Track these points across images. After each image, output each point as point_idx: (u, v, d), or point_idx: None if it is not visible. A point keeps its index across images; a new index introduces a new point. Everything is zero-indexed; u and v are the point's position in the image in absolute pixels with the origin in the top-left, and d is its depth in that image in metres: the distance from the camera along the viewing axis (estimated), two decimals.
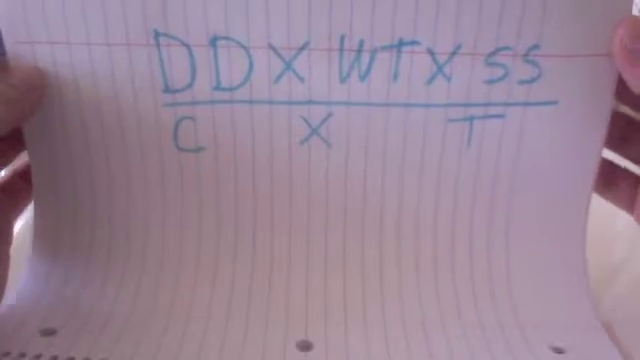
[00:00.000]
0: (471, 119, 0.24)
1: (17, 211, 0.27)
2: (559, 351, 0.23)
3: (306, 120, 0.25)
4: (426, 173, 0.25)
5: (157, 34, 0.24)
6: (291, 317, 0.25)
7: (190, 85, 0.25)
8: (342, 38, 0.24)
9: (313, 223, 0.27)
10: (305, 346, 0.24)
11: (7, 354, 0.23)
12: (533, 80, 0.24)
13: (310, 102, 0.25)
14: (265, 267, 0.27)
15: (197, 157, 0.26)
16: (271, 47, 0.24)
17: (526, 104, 0.24)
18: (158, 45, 0.24)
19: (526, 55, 0.23)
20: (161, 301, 0.26)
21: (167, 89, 0.25)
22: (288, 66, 0.24)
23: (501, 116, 0.24)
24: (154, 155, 0.26)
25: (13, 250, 0.28)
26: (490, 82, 0.24)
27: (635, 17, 0.22)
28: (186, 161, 0.26)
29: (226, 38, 0.24)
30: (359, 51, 0.24)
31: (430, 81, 0.24)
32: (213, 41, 0.24)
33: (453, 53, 0.24)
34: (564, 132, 0.24)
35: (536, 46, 0.23)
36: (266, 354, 0.23)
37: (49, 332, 0.24)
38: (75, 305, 0.26)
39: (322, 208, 0.26)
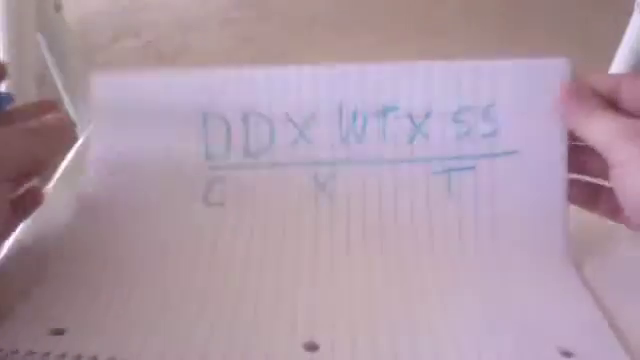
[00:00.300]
0: (449, 171, 0.29)
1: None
2: (568, 354, 0.23)
3: (315, 179, 0.30)
4: (417, 219, 0.29)
5: (205, 116, 0.31)
6: (299, 318, 0.25)
7: (225, 153, 0.31)
8: (340, 107, 0.30)
9: (320, 262, 0.29)
10: (311, 347, 0.24)
11: (15, 352, 0.23)
12: (493, 134, 0.29)
13: (318, 163, 0.30)
14: (272, 273, 0.28)
15: (220, 210, 0.30)
16: (288, 117, 0.30)
17: (492, 155, 0.29)
18: (205, 124, 0.30)
19: (485, 113, 0.29)
20: (171, 302, 0.26)
21: (208, 157, 0.31)
22: (301, 133, 0.30)
23: (472, 168, 0.29)
24: (184, 208, 0.30)
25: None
26: (459, 137, 0.29)
27: (573, 82, 0.28)
28: (210, 214, 0.30)
29: (255, 113, 0.30)
30: (354, 118, 0.30)
31: (412, 139, 0.30)
32: (246, 117, 0.30)
33: (427, 115, 0.29)
34: (530, 176, 0.29)
35: (492, 105, 0.29)
36: (272, 354, 0.23)
37: (58, 332, 0.24)
38: (85, 305, 0.26)
39: (327, 246, 0.29)
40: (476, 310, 0.26)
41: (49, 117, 0.28)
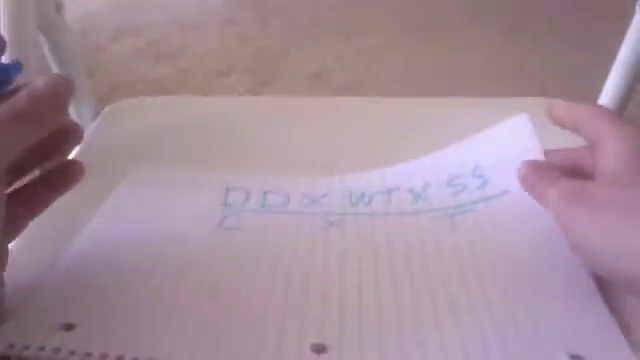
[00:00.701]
0: (451, 215, 0.32)
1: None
2: (577, 358, 0.23)
3: (326, 220, 0.33)
4: (427, 248, 0.30)
5: (228, 188, 0.36)
6: (307, 320, 0.26)
7: (242, 204, 0.34)
8: (350, 194, 0.35)
9: (330, 270, 0.29)
10: (319, 349, 0.24)
11: (27, 347, 0.23)
12: (484, 184, 0.33)
13: (329, 213, 0.33)
14: (282, 276, 0.28)
15: (235, 232, 0.32)
16: (304, 195, 0.35)
17: (487, 198, 0.32)
18: (227, 192, 0.35)
19: (472, 173, 0.34)
20: (181, 301, 0.27)
21: (224, 204, 0.34)
22: (313, 201, 0.34)
23: (472, 210, 0.32)
24: (199, 228, 0.32)
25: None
26: (455, 194, 0.33)
27: (534, 161, 0.30)
28: (224, 234, 0.32)
29: (274, 192, 0.35)
30: (362, 196, 0.35)
31: (413, 203, 0.34)
32: (265, 193, 0.35)
33: (424, 187, 0.34)
34: (526, 206, 0.30)
35: (477, 167, 0.34)
36: (280, 355, 0.24)
37: (69, 327, 0.25)
38: (96, 301, 0.26)
39: (337, 264, 0.29)
40: (484, 313, 0.26)
41: (38, 83, 0.24)
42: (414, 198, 0.34)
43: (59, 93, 0.25)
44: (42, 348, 0.23)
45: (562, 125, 0.30)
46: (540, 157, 0.31)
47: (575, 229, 0.25)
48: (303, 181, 0.36)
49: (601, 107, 0.30)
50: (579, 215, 0.25)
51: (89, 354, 0.23)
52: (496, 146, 0.34)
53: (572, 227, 0.25)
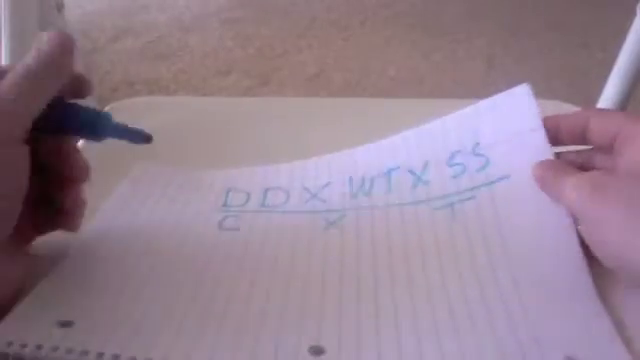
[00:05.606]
0: (451, 205, 0.31)
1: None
2: None
3: (325, 220, 0.32)
4: (425, 247, 0.30)
5: (228, 189, 0.35)
6: (305, 322, 0.26)
7: (243, 205, 0.34)
8: (350, 179, 0.35)
9: (328, 274, 0.29)
10: (317, 351, 0.24)
11: (24, 345, 0.23)
12: (485, 166, 0.32)
13: (328, 211, 0.33)
14: (282, 278, 0.28)
15: (235, 233, 0.32)
16: (305, 188, 0.35)
17: (489, 183, 0.31)
18: (227, 192, 0.35)
19: (473, 151, 0.33)
20: (179, 301, 0.27)
21: (225, 204, 0.34)
22: (314, 196, 0.34)
23: (473, 197, 0.31)
24: (198, 229, 0.32)
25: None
26: (455, 177, 0.32)
27: (549, 160, 0.29)
28: (224, 234, 0.32)
29: (274, 188, 0.35)
30: (362, 181, 0.34)
31: (413, 187, 0.33)
32: (265, 190, 0.35)
33: (424, 167, 0.33)
34: (527, 193, 0.30)
35: (477, 143, 0.33)
36: (278, 357, 0.24)
37: (66, 324, 0.25)
38: (95, 300, 0.27)
39: (336, 266, 0.29)
40: (482, 315, 0.26)
41: (42, 41, 0.27)
42: (414, 181, 0.33)
43: (61, 45, 0.27)
44: (40, 346, 0.23)
45: (569, 141, 0.30)
46: (540, 128, 0.30)
47: (591, 219, 0.25)
48: (304, 167, 0.36)
49: (613, 110, 0.30)
50: (596, 205, 0.25)
51: (86, 352, 0.23)
52: (497, 118, 0.33)
53: (588, 217, 0.25)
